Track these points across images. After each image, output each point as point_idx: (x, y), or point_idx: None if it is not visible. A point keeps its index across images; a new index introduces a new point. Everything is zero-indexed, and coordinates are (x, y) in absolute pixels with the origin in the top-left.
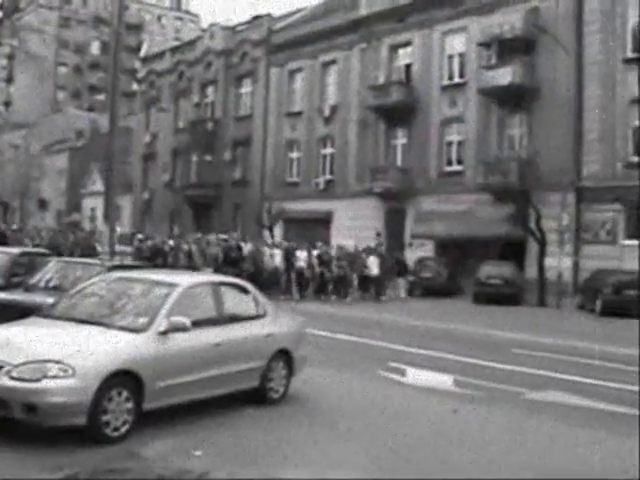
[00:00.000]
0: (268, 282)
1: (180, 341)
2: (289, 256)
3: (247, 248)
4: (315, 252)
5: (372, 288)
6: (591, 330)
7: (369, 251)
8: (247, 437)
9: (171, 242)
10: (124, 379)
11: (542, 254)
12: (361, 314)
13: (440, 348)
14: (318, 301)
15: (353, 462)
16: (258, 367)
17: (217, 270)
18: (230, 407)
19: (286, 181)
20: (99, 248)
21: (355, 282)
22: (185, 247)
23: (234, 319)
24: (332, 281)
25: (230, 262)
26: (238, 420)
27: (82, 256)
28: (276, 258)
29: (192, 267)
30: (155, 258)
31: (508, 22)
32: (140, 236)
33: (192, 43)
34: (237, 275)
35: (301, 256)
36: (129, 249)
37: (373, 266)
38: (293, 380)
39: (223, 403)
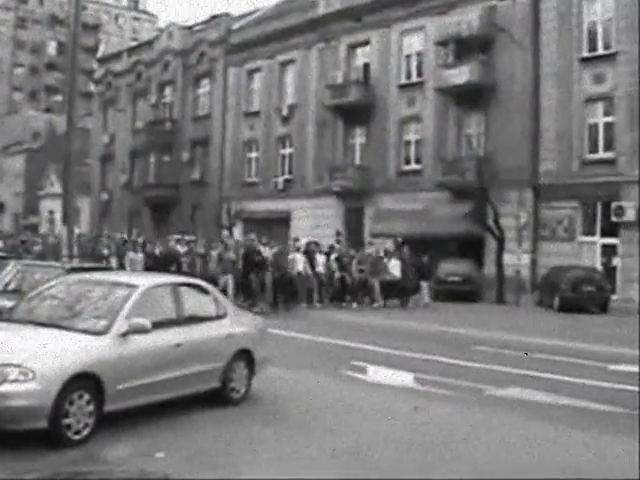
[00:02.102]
0: (293, 288)
1: (140, 343)
2: (311, 260)
3: (269, 252)
4: (333, 255)
5: (395, 294)
6: (549, 326)
7: (390, 254)
8: (209, 438)
9: (183, 247)
10: (85, 382)
11: (500, 251)
12: (393, 322)
13: (400, 346)
14: (340, 309)
15: (315, 461)
16: (219, 367)
17: (237, 277)
18: (192, 408)
19: (245, 181)
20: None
21: (377, 287)
22: (201, 251)
23: (194, 320)
24: (353, 286)
25: (251, 268)
26: (200, 421)
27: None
28: (298, 263)
29: (208, 275)
30: (168, 265)
31: (465, 21)
32: (140, 240)
33: (149, 43)
34: (261, 283)
35: (320, 260)
36: (139, 256)
37: (395, 270)
38: (254, 380)
39: (184, 404)
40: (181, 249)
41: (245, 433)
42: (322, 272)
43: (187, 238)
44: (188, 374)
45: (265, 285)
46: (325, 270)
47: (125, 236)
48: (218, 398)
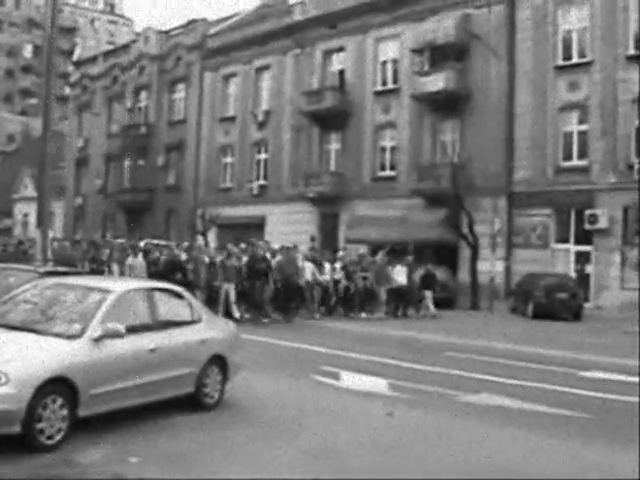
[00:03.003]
0: (298, 298)
1: (115, 347)
2: (320, 268)
3: (275, 259)
4: (338, 264)
5: (401, 302)
6: (522, 333)
7: (396, 260)
8: (183, 443)
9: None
10: (59, 386)
11: (475, 258)
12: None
13: (374, 352)
14: (347, 319)
15: (289, 466)
16: (193, 373)
17: (238, 285)
18: (165, 413)
19: (220, 186)
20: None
21: (383, 296)
22: (207, 260)
23: (169, 325)
24: (358, 295)
25: (257, 276)
26: (173, 426)
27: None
28: (306, 271)
29: (212, 285)
30: (172, 274)
31: (441, 29)
32: (141, 244)
33: (126, 47)
34: (275, 294)
35: (326, 268)
36: (141, 262)
37: (401, 277)
38: (228, 385)
39: (158, 409)
40: (184, 256)
41: (218, 438)
42: (327, 280)
43: (162, 243)
44: (162, 379)
45: (268, 294)
46: (330, 278)
47: (123, 241)
48: (192, 403)
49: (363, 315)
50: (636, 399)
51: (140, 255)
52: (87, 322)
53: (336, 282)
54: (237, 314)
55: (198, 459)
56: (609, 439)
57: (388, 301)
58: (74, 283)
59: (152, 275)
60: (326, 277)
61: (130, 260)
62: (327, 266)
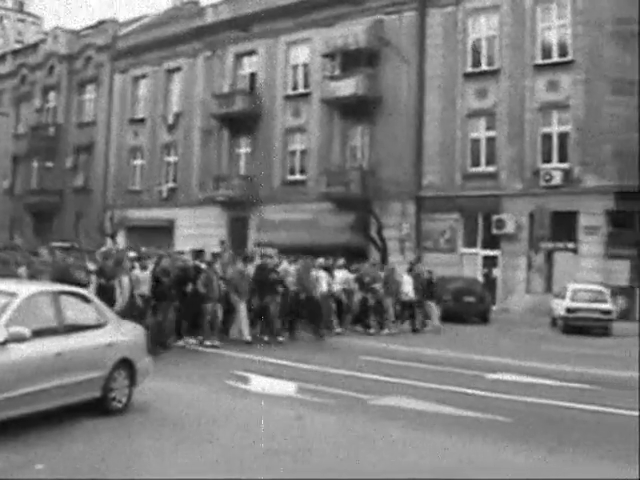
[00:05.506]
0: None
1: (20, 351)
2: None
3: (288, 269)
4: (348, 274)
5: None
6: (431, 336)
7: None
8: (89, 448)
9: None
10: None
11: (383, 262)
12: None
13: (284, 356)
14: (366, 335)
15: (194, 471)
16: (100, 377)
17: (250, 301)
18: (72, 418)
19: (129, 189)
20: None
21: (391, 308)
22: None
23: (75, 328)
24: (373, 308)
25: (268, 288)
26: (81, 431)
27: None
28: (322, 282)
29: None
30: (183, 285)
31: (352, 34)
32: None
33: (35, 46)
34: (290, 308)
35: (338, 277)
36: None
37: (408, 287)
38: (136, 390)
39: (65, 414)
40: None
41: (125, 443)
42: (340, 291)
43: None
44: (68, 383)
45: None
46: (342, 289)
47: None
48: (99, 408)
49: (385, 332)
50: (540, 400)
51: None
52: None
53: (349, 293)
54: (248, 336)
55: (107, 466)
56: (521, 441)
57: (400, 314)
58: None
59: (160, 288)
60: (338, 287)
61: (136, 273)
62: (339, 275)
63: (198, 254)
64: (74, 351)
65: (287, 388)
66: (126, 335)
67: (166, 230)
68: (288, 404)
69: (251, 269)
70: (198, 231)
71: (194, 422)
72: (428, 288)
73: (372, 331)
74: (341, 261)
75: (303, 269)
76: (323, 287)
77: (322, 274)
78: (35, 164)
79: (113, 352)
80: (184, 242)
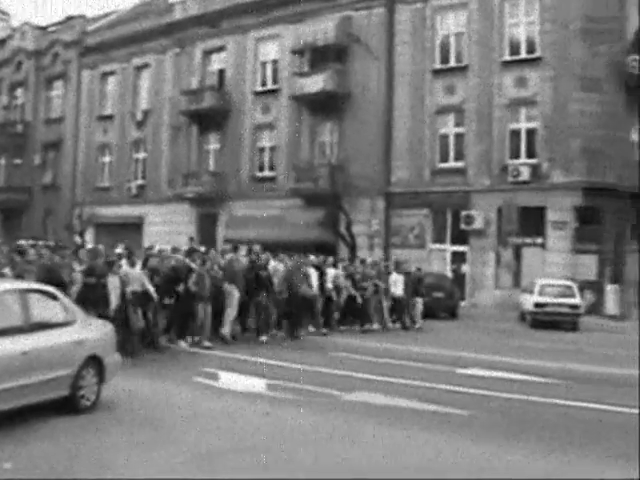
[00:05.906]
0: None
1: None
2: (323, 275)
3: (278, 266)
4: (339, 271)
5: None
6: (401, 332)
7: (393, 267)
8: (58, 447)
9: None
10: None
11: (352, 258)
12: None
13: (253, 353)
14: (363, 335)
15: (164, 468)
16: (68, 375)
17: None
18: (41, 417)
19: (97, 186)
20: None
21: (385, 306)
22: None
23: (42, 326)
24: (363, 307)
25: (261, 287)
26: (49, 430)
27: None
28: (311, 279)
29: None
30: (175, 284)
31: (321, 30)
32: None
33: (2, 42)
34: (277, 306)
35: (330, 275)
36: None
37: (398, 286)
38: (105, 388)
39: (33, 413)
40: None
41: (94, 441)
42: (331, 289)
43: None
44: (36, 382)
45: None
46: (333, 287)
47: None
48: (67, 406)
49: (375, 326)
50: (510, 395)
51: (138, 265)
52: None
53: (338, 291)
54: (228, 335)
55: (77, 464)
56: (489, 435)
57: (391, 312)
58: None
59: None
60: (329, 285)
61: (126, 270)
62: (331, 273)
63: (189, 253)
64: (41, 349)
65: (258, 385)
66: (95, 332)
67: (135, 227)
68: (259, 401)
69: (242, 258)
70: (167, 228)
71: (163, 420)
72: (417, 285)
73: (357, 328)
74: (331, 259)
75: (294, 268)
76: (314, 285)
77: (312, 271)
78: (3, 161)
79: (81, 349)
80: (153, 239)
